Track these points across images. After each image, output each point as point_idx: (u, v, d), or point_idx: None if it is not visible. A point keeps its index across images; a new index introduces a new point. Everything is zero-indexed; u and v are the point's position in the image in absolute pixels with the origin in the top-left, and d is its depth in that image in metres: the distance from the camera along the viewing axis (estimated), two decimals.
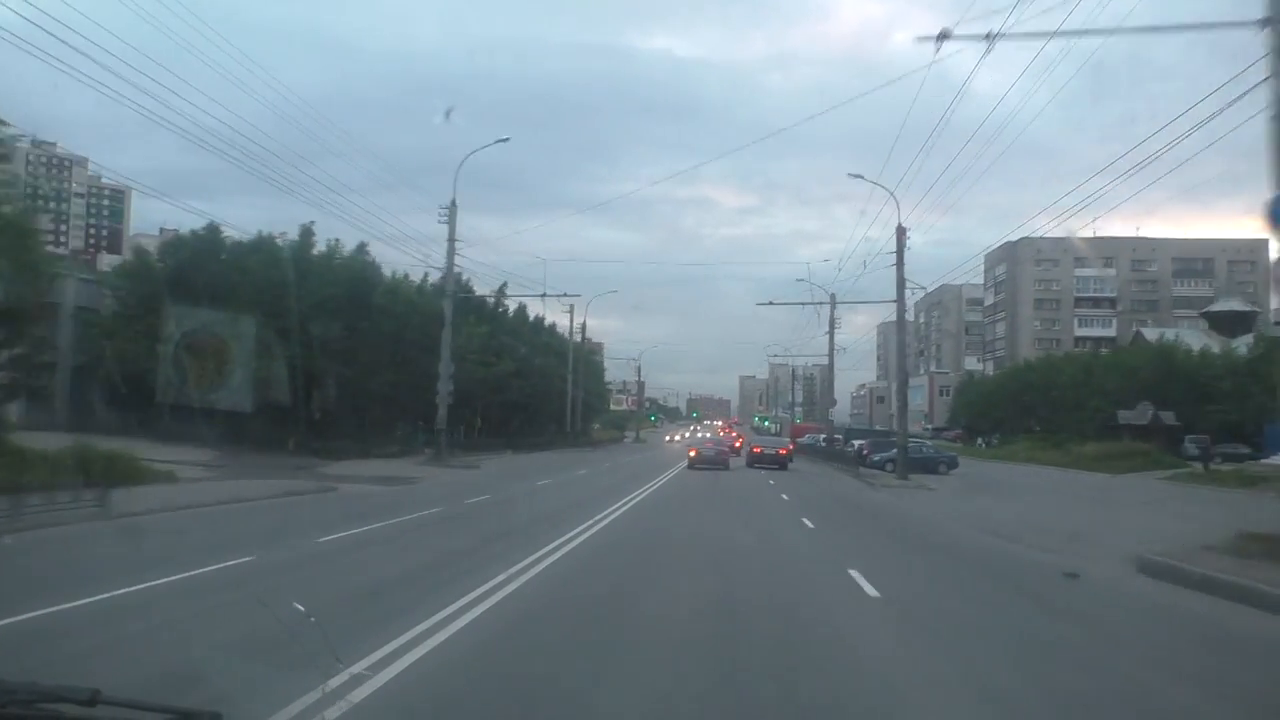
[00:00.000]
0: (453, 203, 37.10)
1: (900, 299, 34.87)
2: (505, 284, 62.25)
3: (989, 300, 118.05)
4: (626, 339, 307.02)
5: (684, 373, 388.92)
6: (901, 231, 34.15)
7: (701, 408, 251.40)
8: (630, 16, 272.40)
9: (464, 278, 61.38)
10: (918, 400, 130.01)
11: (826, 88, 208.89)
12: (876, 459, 42.88)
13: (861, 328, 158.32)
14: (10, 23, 20.20)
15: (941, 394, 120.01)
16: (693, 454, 42.22)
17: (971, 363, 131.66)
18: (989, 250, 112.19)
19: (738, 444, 61.16)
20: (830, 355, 56.23)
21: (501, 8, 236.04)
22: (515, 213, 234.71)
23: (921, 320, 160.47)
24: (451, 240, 37.15)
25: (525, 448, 55.18)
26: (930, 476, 37.79)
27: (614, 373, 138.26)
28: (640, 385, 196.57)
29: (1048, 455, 59.20)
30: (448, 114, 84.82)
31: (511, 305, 65.94)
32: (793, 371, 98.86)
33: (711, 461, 40.61)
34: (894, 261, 34.71)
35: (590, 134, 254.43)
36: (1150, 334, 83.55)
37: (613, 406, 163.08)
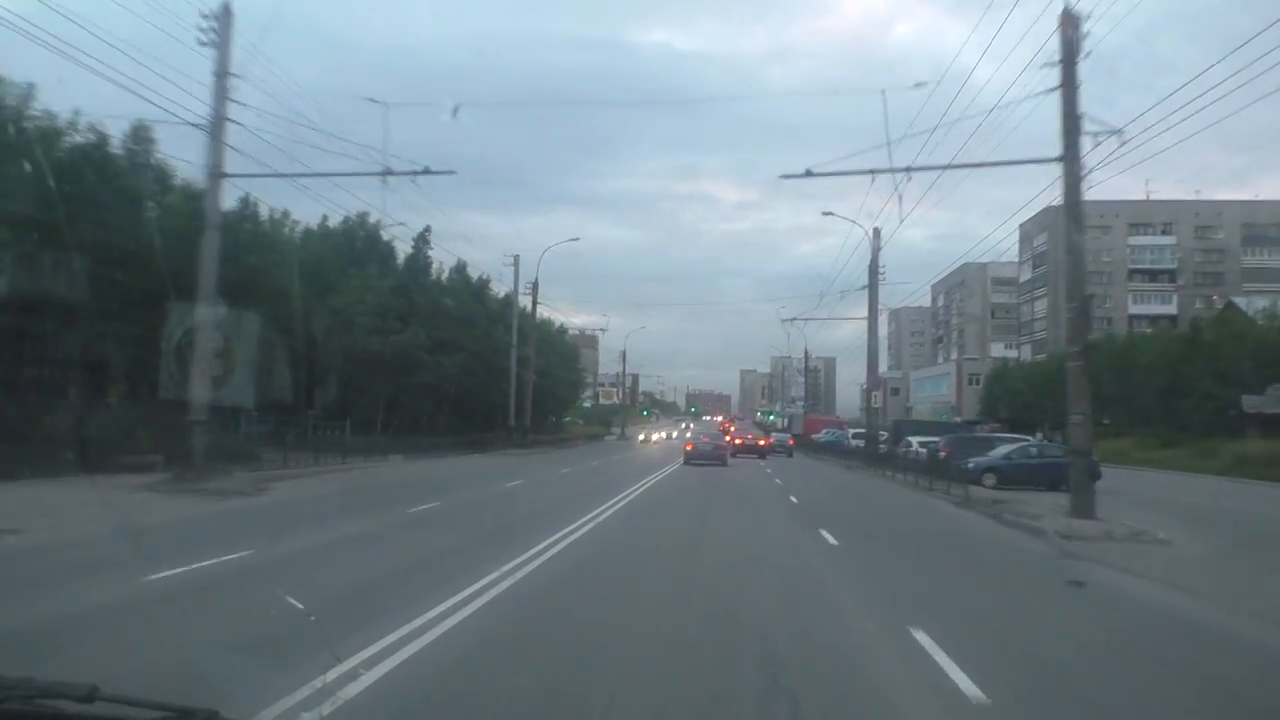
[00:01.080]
0: (225, 7, 19.51)
1: (1072, 151, 16.86)
2: (428, 228, 45.02)
3: (1025, 276, 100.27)
4: (623, 334, 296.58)
5: (685, 368, 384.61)
6: (1071, 23, 16.44)
7: (701, 403, 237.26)
8: (630, 10, 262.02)
9: (371, 219, 44.35)
10: (941, 390, 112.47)
11: (828, 81, 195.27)
12: (971, 467, 25.23)
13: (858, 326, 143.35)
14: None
15: (971, 382, 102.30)
16: (689, 449, 39.54)
17: (999, 349, 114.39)
18: (1026, 219, 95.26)
19: (738, 441, 52.99)
20: (871, 310, 38.58)
21: (500, 2, 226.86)
22: (515, 209, 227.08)
23: (940, 304, 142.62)
24: (222, 76, 19.52)
25: (435, 449, 37.57)
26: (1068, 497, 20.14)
27: (613, 368, 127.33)
28: (630, 378, 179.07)
29: (1167, 457, 41.66)
30: (455, 111, 71.30)
31: (447, 261, 48.61)
32: (805, 351, 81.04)
33: (708, 457, 37.98)
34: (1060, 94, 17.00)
35: (591, 129, 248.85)
36: (1250, 304, 65.88)
37: (603, 400, 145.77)
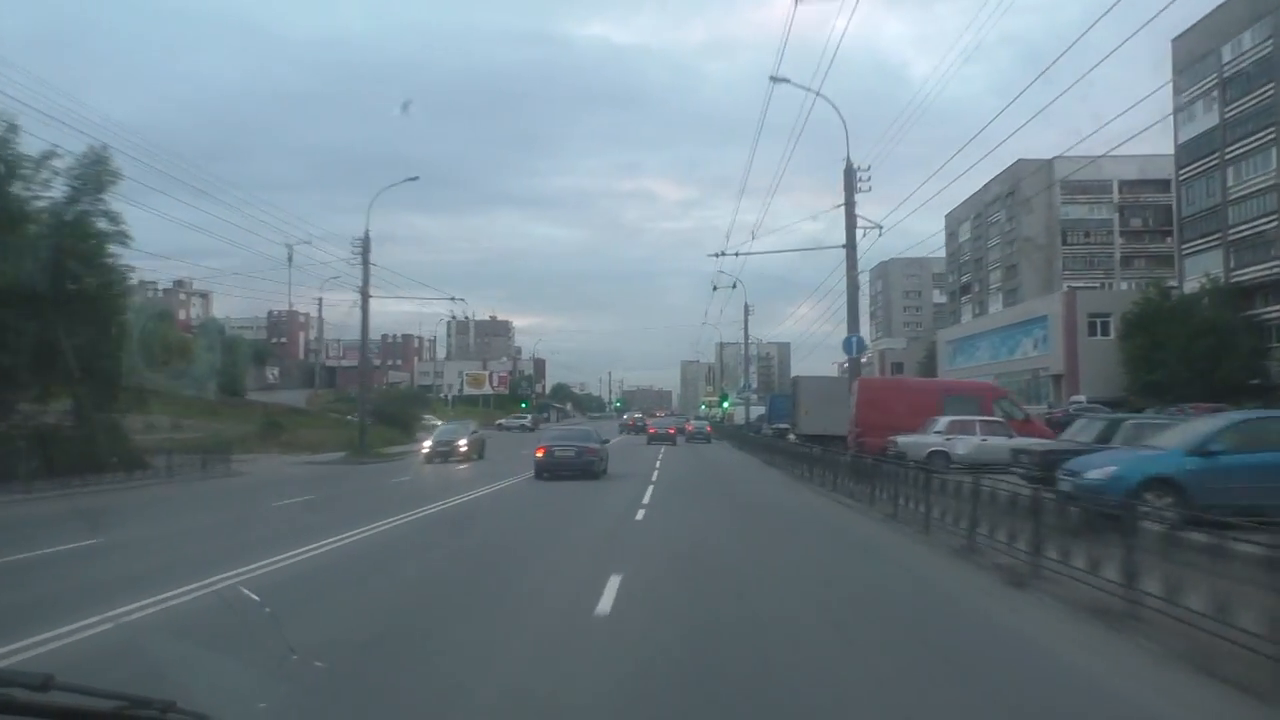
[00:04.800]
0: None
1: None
2: None
3: (1202, 123, 51.36)
4: (563, 333, 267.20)
5: (628, 368, 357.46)
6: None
7: (638, 400, 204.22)
8: (565, 3, 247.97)
9: None
10: (1018, 350, 64.14)
11: (767, 75, 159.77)
12: None
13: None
14: None
15: (1093, 330, 53.63)
16: (540, 454, 23.29)
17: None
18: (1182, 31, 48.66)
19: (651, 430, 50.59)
20: None
21: None
22: (453, 209, 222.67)
23: (965, 238, 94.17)
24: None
25: None
26: None
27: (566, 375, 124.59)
28: (532, 364, 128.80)
29: None
30: (405, 106, 47.80)
31: None
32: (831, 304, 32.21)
33: (568, 467, 22.07)
34: None
35: (529, 125, 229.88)
36: None
37: (468, 389, 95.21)
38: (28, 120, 20.27)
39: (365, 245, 30.66)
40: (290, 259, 46.29)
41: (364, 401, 33.31)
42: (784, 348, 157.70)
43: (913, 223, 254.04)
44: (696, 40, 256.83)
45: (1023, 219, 77.24)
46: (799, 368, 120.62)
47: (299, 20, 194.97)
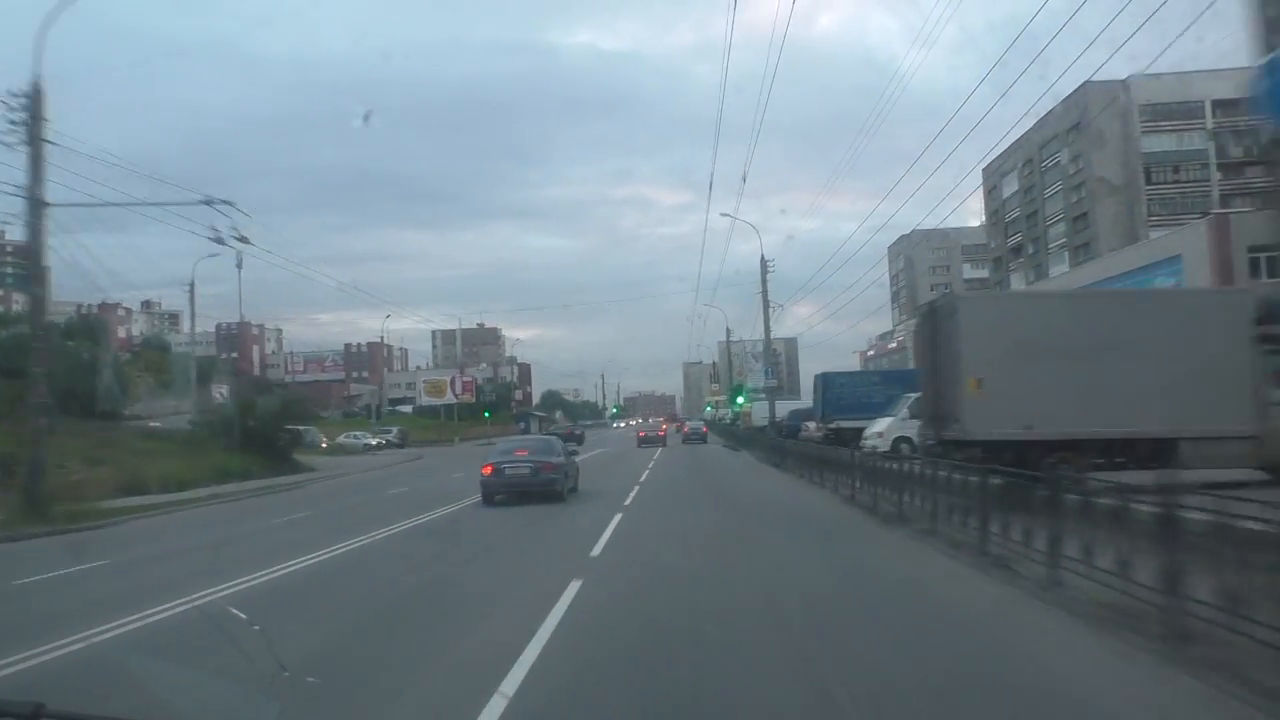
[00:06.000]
0: None
1: None
2: None
3: None
4: (564, 343, 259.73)
5: (633, 375, 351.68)
6: None
7: (639, 405, 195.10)
8: (550, 12, 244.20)
9: None
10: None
11: (755, 75, 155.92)
12: None
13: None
14: None
15: (1255, 270, 37.90)
16: (487, 473, 18.36)
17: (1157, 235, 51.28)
18: None
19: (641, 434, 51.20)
20: None
21: (413, 9, 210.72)
22: (447, 225, 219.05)
23: (1014, 188, 77.91)
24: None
25: None
26: None
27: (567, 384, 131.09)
28: (517, 368, 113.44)
29: None
30: (366, 117, 47.11)
31: None
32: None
33: (521, 487, 17.54)
34: None
35: (519, 137, 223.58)
36: None
37: (426, 397, 79.74)
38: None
39: (34, 106, 15.11)
40: (239, 265, 36.40)
41: (39, 435, 17.24)
42: (790, 343, 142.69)
43: (920, 209, 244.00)
44: (684, 43, 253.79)
45: (1092, 156, 61.77)
46: (804, 367, 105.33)
47: (282, 43, 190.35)
